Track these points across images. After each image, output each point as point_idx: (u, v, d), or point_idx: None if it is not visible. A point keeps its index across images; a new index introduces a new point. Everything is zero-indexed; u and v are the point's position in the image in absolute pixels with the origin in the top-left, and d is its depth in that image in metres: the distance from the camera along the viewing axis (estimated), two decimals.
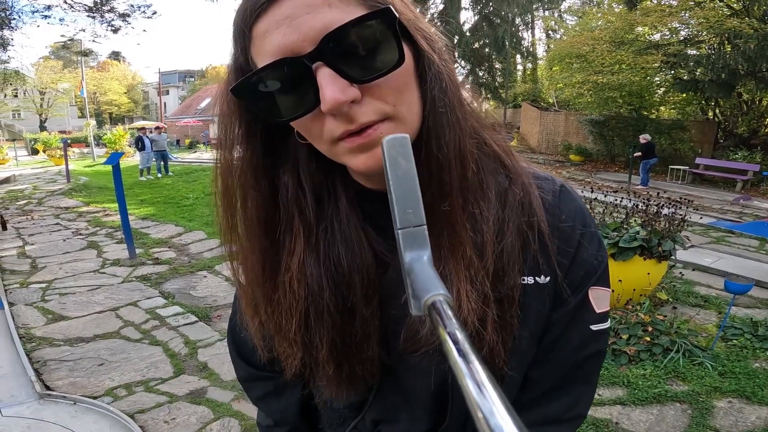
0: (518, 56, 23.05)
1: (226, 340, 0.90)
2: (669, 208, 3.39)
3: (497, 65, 20.94)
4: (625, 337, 3.00)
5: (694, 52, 12.28)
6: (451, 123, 0.48)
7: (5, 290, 4.13)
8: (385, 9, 0.42)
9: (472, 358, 0.21)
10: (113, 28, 12.02)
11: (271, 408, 0.83)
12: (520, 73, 24.80)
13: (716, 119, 14.04)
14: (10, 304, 3.81)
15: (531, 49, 23.62)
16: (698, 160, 12.00)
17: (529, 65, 24.47)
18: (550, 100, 20.17)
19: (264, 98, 0.44)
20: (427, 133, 0.48)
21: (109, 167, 5.22)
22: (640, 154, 10.69)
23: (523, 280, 0.54)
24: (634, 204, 3.49)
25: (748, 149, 11.95)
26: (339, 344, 0.55)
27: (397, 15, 0.43)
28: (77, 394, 2.59)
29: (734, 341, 3.16)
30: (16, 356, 2.95)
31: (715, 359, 2.92)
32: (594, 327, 0.59)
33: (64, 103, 33.75)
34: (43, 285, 4.32)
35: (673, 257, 3.32)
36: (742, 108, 13.70)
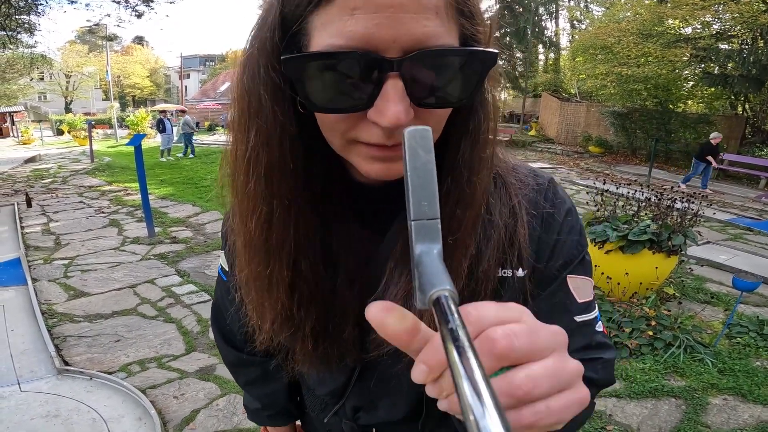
0: (540, 46, 22.62)
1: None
2: (682, 202, 3.34)
3: (518, 54, 20.59)
4: (627, 330, 2.99)
5: (725, 46, 11.89)
6: (480, 158, 0.48)
7: (29, 266, 4.32)
8: (492, 54, 0.41)
9: (471, 357, 0.21)
10: (137, 13, 12.19)
11: (259, 392, 0.85)
12: (542, 63, 24.32)
13: (745, 115, 13.62)
14: (34, 280, 3.98)
15: (554, 39, 23.12)
16: (724, 156, 11.67)
17: (552, 55, 23.96)
18: (572, 91, 19.77)
19: (311, 77, 0.39)
20: (453, 160, 0.47)
21: (131, 148, 5.36)
22: (711, 158, 9.24)
23: (503, 272, 0.54)
24: (646, 197, 3.45)
25: None
26: (322, 322, 0.55)
27: (496, 63, 0.41)
28: (94, 369, 2.71)
29: (738, 339, 3.13)
30: (38, 332, 3.09)
31: (717, 356, 2.91)
32: (578, 318, 0.57)
33: (89, 86, 34.41)
34: (66, 261, 4.49)
35: (683, 252, 3.29)
36: None
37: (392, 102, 0.38)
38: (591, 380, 0.57)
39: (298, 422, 0.94)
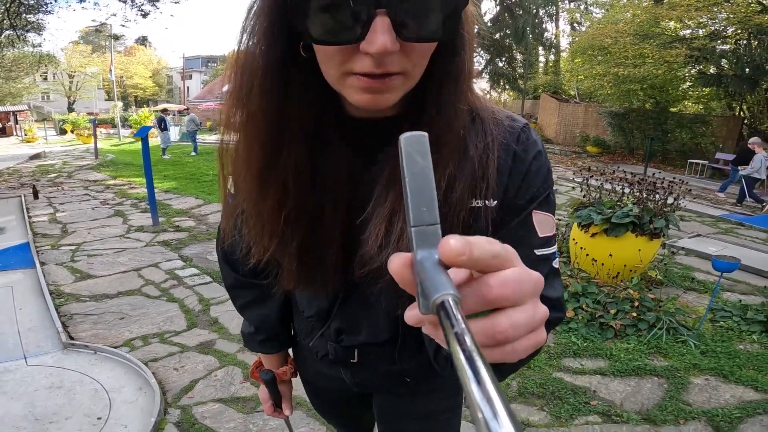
0: (540, 48, 22.75)
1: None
2: (664, 189, 3.47)
3: (518, 56, 20.73)
4: (612, 311, 3.08)
5: (722, 47, 12.02)
6: (453, 103, 0.54)
7: (37, 251, 4.45)
8: None
9: (478, 361, 0.21)
10: (143, 13, 12.32)
11: (253, 314, 0.91)
12: (542, 64, 24.46)
13: (742, 115, 13.75)
14: (42, 264, 4.12)
15: (554, 41, 23.26)
16: (718, 155, 11.81)
17: (552, 57, 24.10)
18: (572, 92, 19.91)
19: (309, 14, 0.45)
20: (427, 98, 0.54)
21: (135, 147, 5.50)
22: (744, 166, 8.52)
23: (475, 203, 0.58)
24: (630, 184, 3.57)
25: None
26: (306, 241, 0.60)
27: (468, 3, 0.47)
28: (99, 344, 2.81)
29: (722, 323, 3.23)
30: (45, 311, 3.21)
31: (700, 338, 2.99)
32: (538, 251, 0.60)
33: (91, 86, 34.65)
34: (73, 247, 4.63)
35: (665, 235, 3.40)
36: (767, 105, 13.41)
37: (380, 33, 0.43)
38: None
39: (290, 356, 1.00)
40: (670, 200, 3.41)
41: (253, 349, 0.97)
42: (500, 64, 20.30)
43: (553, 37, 23.15)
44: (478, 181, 0.57)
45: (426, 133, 0.29)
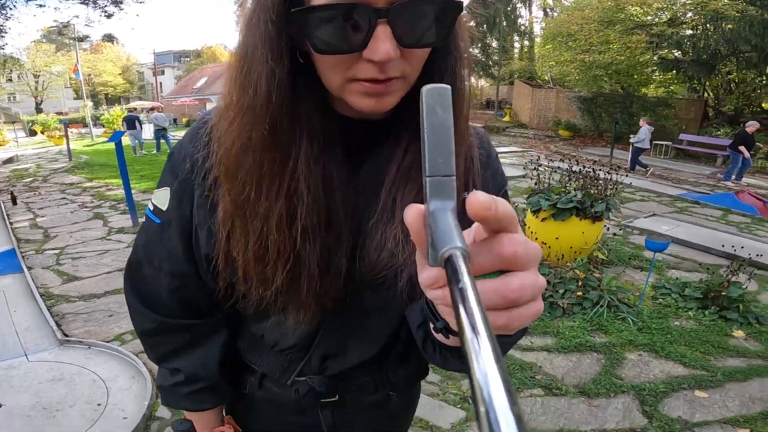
0: (515, 34, 23.05)
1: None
2: (606, 174, 3.76)
3: (493, 44, 20.98)
4: (561, 291, 3.22)
5: (681, 32, 12.50)
6: (459, 89, 0.56)
7: (23, 256, 4.56)
8: (459, 3, 0.48)
9: (477, 315, 0.20)
10: (107, 14, 12.12)
11: (184, 362, 0.74)
12: (517, 50, 24.78)
13: (704, 98, 14.33)
14: (29, 268, 4.23)
15: (528, 27, 23.57)
16: (682, 136, 12.34)
17: (526, 43, 24.44)
18: (545, 78, 20.31)
19: (313, 26, 0.46)
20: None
21: (109, 147, 5.56)
22: (743, 149, 8.74)
23: (464, 195, 0.61)
24: (576, 170, 3.85)
25: (732, 127, 12.27)
26: (325, 256, 0.56)
27: (463, 8, 0.50)
28: (92, 339, 2.99)
29: (661, 300, 3.37)
30: (38, 312, 3.36)
31: (638, 315, 3.11)
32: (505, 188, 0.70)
33: (59, 85, 33.70)
34: (57, 251, 4.73)
35: (607, 218, 3.70)
36: (729, 88, 14.00)
37: (382, 41, 0.45)
38: None
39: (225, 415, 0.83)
40: (617, 178, 3.66)
41: (178, 405, 0.76)
42: (475, 52, 20.51)
43: (527, 23, 23.49)
44: (467, 175, 0.61)
45: (449, 86, 0.29)
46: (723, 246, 4.48)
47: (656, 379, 2.54)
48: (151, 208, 0.68)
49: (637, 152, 9.63)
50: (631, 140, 9.79)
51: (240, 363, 0.78)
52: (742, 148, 8.60)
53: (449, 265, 0.24)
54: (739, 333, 3.02)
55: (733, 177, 8.89)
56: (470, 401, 2.29)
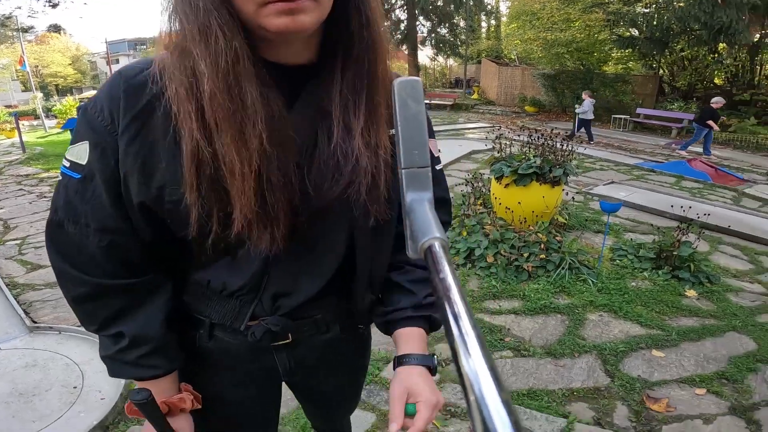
0: (482, 14, 23.14)
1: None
2: (561, 142, 3.94)
3: (461, 23, 21.02)
4: (525, 255, 3.32)
5: (635, 11, 12.88)
6: (366, 48, 0.59)
7: None
8: None
9: (461, 305, 0.21)
10: (51, 4, 11.39)
11: (128, 325, 0.67)
12: (484, 30, 24.92)
13: (660, 74, 14.89)
14: None
15: (494, 7, 23.71)
16: (639, 110, 12.85)
17: (493, 22, 24.60)
18: (512, 57, 20.58)
19: None
20: (339, 44, 0.59)
21: (64, 137, 5.33)
22: (712, 122, 8.84)
23: (390, 132, 0.63)
24: (534, 138, 4.02)
25: (686, 101, 12.86)
26: (285, 174, 0.59)
27: None
28: (61, 325, 2.95)
29: (618, 261, 3.49)
30: (5, 301, 3.28)
31: (598, 277, 3.20)
32: (437, 167, 0.76)
33: (5, 77, 31.76)
34: (18, 241, 4.58)
35: (566, 183, 3.85)
36: (683, 64, 14.59)
37: None
38: (445, 222, 0.82)
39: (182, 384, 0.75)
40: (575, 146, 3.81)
41: (127, 374, 0.69)
42: (443, 32, 20.54)
43: (494, 2, 23.63)
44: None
45: (419, 79, 0.29)
46: (672, 206, 4.69)
47: (616, 339, 2.61)
48: (67, 164, 0.63)
49: (583, 123, 10.32)
50: (576, 111, 10.50)
51: (187, 318, 0.74)
52: (711, 122, 8.78)
53: (429, 255, 0.24)
54: (691, 293, 3.13)
55: (703, 152, 8.96)
56: (443, 365, 2.40)
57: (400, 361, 0.74)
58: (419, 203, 0.28)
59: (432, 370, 0.74)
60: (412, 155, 0.28)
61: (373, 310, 0.81)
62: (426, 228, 0.25)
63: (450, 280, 0.22)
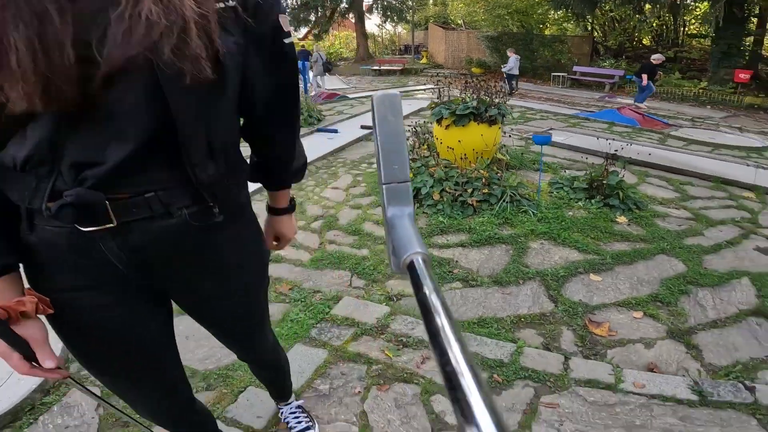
0: None
1: None
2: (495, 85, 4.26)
3: None
4: (469, 190, 3.41)
5: None
6: None
7: None
8: None
9: (444, 318, 0.21)
10: None
11: None
12: None
13: (594, 35, 15.60)
14: None
15: None
16: (575, 68, 13.45)
17: None
18: (458, 22, 20.71)
19: None
20: None
21: None
22: (645, 77, 9.11)
23: (219, 4, 0.61)
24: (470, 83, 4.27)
25: (616, 59, 13.59)
26: (36, 45, 0.52)
27: None
28: None
29: (555, 193, 3.69)
30: None
31: (537, 207, 3.31)
32: (286, 41, 0.75)
33: None
34: None
35: (503, 123, 4.04)
36: (613, 25, 15.37)
37: None
38: (293, 115, 0.86)
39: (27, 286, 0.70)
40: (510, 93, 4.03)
41: None
42: None
43: None
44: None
45: (398, 93, 0.29)
46: (598, 138, 4.99)
47: (557, 265, 2.67)
48: None
49: (510, 78, 11.00)
50: (502, 69, 11.14)
51: (11, 211, 0.67)
52: (644, 75, 9.08)
53: (412, 270, 0.24)
54: (622, 219, 3.28)
55: (641, 103, 9.24)
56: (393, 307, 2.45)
57: (276, 211, 1.02)
58: (400, 218, 0.28)
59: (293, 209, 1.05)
60: (392, 170, 0.28)
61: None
62: (407, 243, 0.26)
63: (433, 294, 0.23)
